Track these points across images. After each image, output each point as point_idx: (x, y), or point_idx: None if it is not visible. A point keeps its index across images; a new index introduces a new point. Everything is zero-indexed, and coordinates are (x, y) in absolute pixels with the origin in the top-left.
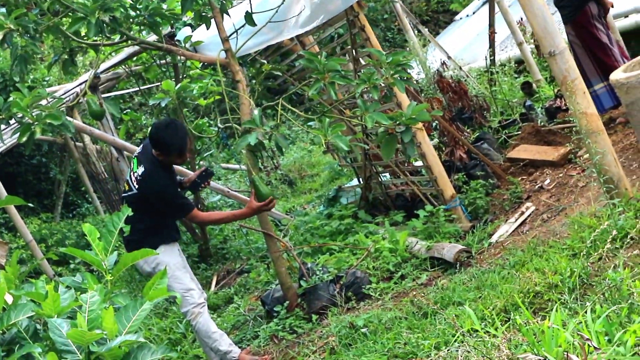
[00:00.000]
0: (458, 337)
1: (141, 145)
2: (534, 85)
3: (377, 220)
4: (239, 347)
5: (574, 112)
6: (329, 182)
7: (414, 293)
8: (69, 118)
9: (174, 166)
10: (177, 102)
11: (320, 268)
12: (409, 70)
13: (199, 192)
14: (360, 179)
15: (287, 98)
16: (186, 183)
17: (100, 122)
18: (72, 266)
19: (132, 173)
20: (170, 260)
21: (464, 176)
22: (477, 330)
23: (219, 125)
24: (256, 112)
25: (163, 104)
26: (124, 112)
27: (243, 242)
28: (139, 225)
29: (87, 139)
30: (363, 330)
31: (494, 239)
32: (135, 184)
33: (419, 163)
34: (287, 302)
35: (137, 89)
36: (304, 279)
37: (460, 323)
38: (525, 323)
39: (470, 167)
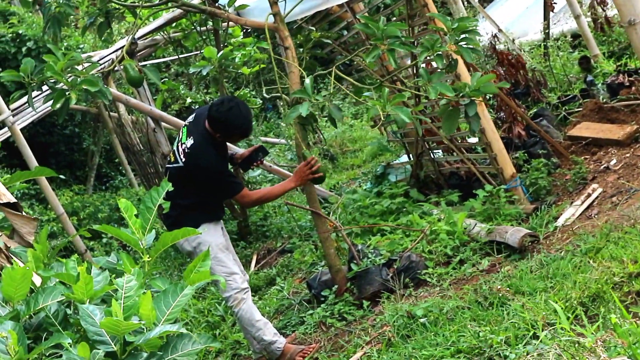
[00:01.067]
0: (532, 332)
1: (192, 115)
2: (592, 60)
3: (430, 199)
4: (283, 334)
5: None
6: (372, 158)
7: (477, 280)
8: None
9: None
10: (219, 70)
11: (372, 250)
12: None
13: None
14: (411, 156)
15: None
16: (237, 159)
17: (137, 91)
18: (104, 240)
19: (179, 144)
20: (213, 240)
21: (525, 154)
22: (552, 325)
23: (265, 95)
24: (308, 81)
25: (204, 72)
26: (161, 81)
27: (285, 219)
28: (181, 201)
29: (122, 108)
30: (422, 320)
31: (559, 222)
32: (182, 156)
33: (473, 140)
34: (336, 286)
35: (175, 57)
36: (355, 261)
37: (530, 316)
38: (619, 321)
39: (529, 145)
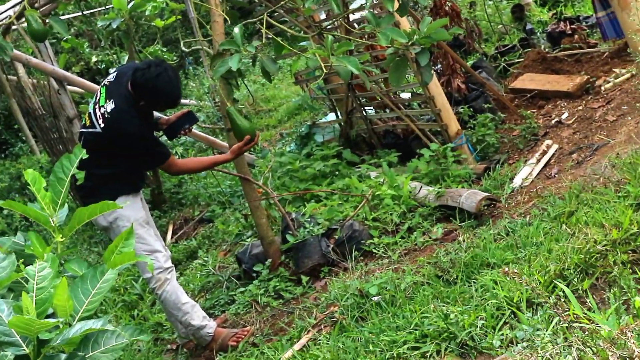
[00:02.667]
0: (508, 312)
1: (113, 74)
2: (525, 8)
3: (364, 161)
4: (211, 315)
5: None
6: (288, 117)
7: (432, 251)
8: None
9: None
10: (129, 24)
11: (308, 219)
12: None
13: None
14: (339, 114)
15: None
16: (162, 125)
17: (38, 50)
18: (5, 212)
19: (97, 106)
20: (132, 214)
21: (470, 109)
22: (532, 302)
23: (184, 48)
24: (237, 30)
25: (114, 25)
26: (63, 39)
27: (202, 185)
28: (97, 170)
29: (21, 70)
30: (376, 298)
31: (516, 183)
32: (100, 121)
33: (405, 95)
34: (269, 260)
35: (78, 13)
36: (290, 232)
37: (505, 292)
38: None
39: (471, 99)
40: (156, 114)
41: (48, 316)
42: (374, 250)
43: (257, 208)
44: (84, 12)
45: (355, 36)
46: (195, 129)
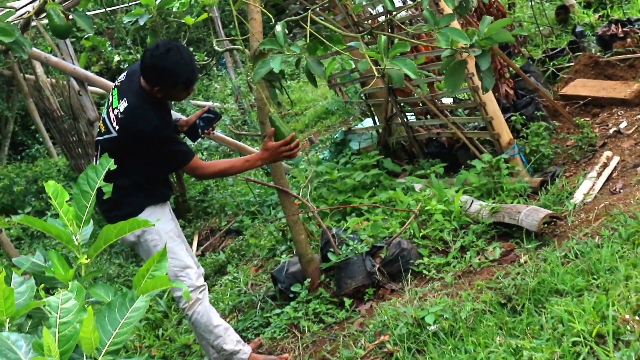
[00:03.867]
0: (587, 348)
1: (124, 74)
2: (571, 10)
3: (410, 171)
4: (245, 339)
5: None
6: (315, 122)
7: (490, 274)
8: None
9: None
10: (158, 20)
11: (351, 235)
12: None
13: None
14: (377, 119)
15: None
16: (182, 127)
17: (58, 48)
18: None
19: (110, 109)
20: (161, 226)
21: (522, 117)
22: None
23: (216, 47)
24: (279, 27)
25: (141, 22)
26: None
27: (228, 193)
28: (119, 181)
29: (39, 69)
30: (433, 328)
31: (577, 199)
32: (114, 123)
33: (447, 100)
34: (308, 279)
35: (101, 10)
36: (331, 249)
37: (580, 325)
38: None
39: (521, 106)
40: (175, 115)
41: None
42: (424, 271)
43: (296, 223)
44: (106, 9)
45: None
46: (219, 132)
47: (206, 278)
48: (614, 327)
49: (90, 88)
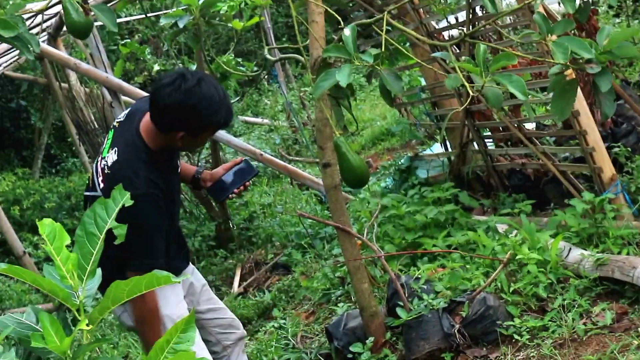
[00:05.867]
0: None
1: (125, 112)
2: None
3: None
4: None
5: None
6: (372, 143)
7: (600, 344)
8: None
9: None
10: (200, 23)
11: (424, 286)
12: None
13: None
14: (449, 145)
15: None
16: (206, 181)
17: (90, 55)
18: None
19: (99, 159)
20: (170, 311)
21: (627, 149)
22: None
23: (268, 55)
24: (348, 32)
25: (181, 24)
26: (122, 42)
27: (277, 222)
28: (112, 251)
29: (73, 77)
30: None
31: None
32: (99, 179)
33: (529, 125)
34: (371, 338)
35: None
36: (400, 302)
37: None
38: None
39: (620, 135)
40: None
41: None
42: (515, 336)
43: (358, 269)
44: (148, 15)
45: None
46: (270, 154)
47: (248, 322)
48: None
49: (124, 98)
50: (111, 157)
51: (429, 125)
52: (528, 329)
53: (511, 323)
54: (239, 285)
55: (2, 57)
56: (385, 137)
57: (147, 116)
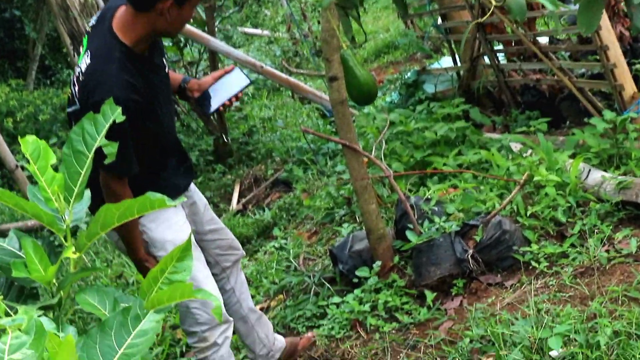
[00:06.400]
0: None
1: (97, 15)
2: None
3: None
4: (294, 331)
5: None
6: (375, 57)
7: (625, 273)
8: None
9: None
10: None
11: (435, 208)
12: None
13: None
14: (459, 59)
15: None
16: (193, 91)
17: None
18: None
19: (76, 69)
20: (168, 236)
21: None
22: None
23: None
24: None
25: None
26: None
27: (277, 137)
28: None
29: None
30: (555, 354)
31: None
32: (76, 89)
33: (543, 40)
34: (378, 262)
35: None
36: (410, 224)
37: None
38: None
39: None
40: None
41: None
42: (533, 263)
43: (365, 189)
44: None
45: None
46: (270, 66)
47: (247, 241)
48: None
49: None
50: (84, 62)
51: (436, 37)
52: (546, 256)
53: (528, 249)
54: (238, 202)
55: None
56: (389, 50)
57: (120, 10)
